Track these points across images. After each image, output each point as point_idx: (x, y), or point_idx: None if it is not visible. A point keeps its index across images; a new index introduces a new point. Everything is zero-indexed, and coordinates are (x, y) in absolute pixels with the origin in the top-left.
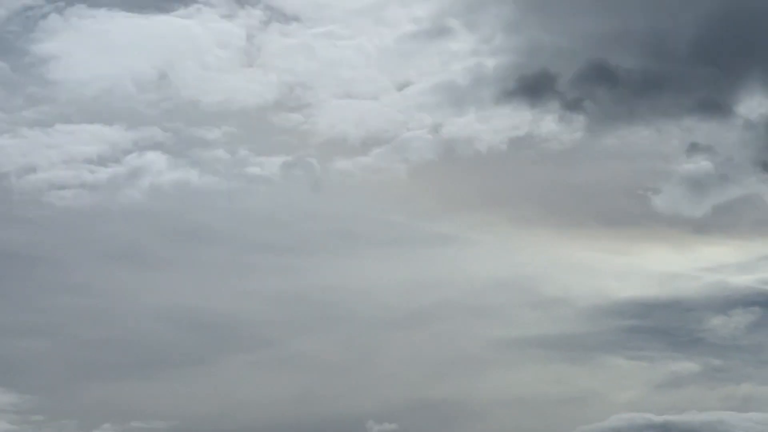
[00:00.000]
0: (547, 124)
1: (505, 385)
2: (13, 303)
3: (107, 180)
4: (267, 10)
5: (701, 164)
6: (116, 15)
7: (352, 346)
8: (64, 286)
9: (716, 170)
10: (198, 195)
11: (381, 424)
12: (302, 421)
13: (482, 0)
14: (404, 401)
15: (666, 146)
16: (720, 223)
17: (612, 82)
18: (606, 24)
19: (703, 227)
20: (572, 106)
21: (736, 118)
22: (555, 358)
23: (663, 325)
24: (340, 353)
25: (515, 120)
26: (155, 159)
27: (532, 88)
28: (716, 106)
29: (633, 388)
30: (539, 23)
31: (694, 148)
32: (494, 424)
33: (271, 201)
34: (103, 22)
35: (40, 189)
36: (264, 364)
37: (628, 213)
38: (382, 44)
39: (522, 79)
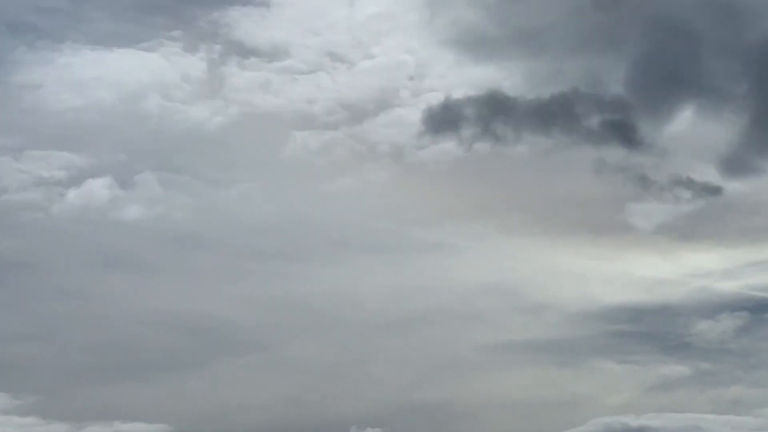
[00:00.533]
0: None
1: (494, 389)
2: (6, 308)
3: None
4: (227, 44)
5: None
6: (81, 48)
7: (343, 350)
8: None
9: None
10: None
11: (364, 430)
12: (289, 425)
13: (437, 41)
14: (392, 405)
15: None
16: (706, 231)
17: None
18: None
19: (688, 235)
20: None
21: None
22: (545, 362)
23: (652, 330)
24: (331, 357)
25: (472, 146)
26: (114, 185)
27: (486, 116)
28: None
29: (625, 392)
30: (484, 60)
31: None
32: (482, 428)
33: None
34: (69, 55)
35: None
36: (255, 368)
37: (612, 222)
38: (339, 78)
39: (475, 107)
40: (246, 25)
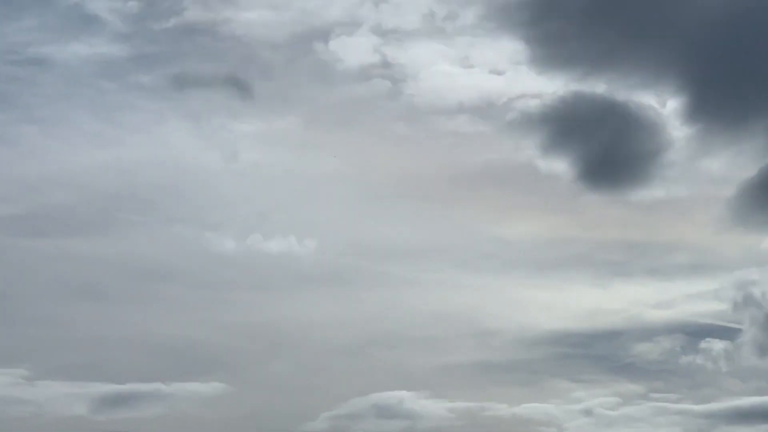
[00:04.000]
0: None
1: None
2: None
3: None
4: None
5: None
6: None
7: (303, 371)
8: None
9: None
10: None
11: None
12: None
13: None
14: (352, 422)
15: None
16: (641, 265)
17: None
18: None
19: (623, 269)
20: None
21: None
22: (501, 382)
23: (594, 352)
24: (291, 378)
25: None
26: None
27: None
28: None
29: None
30: None
31: None
32: None
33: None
34: None
35: None
36: (219, 387)
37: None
38: None
39: None
40: None
